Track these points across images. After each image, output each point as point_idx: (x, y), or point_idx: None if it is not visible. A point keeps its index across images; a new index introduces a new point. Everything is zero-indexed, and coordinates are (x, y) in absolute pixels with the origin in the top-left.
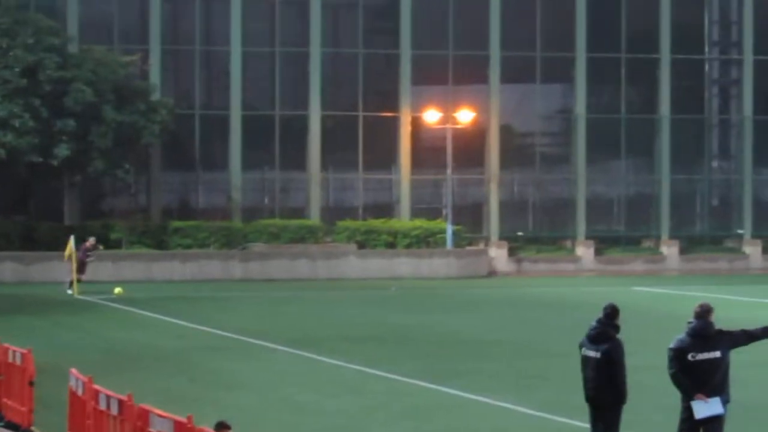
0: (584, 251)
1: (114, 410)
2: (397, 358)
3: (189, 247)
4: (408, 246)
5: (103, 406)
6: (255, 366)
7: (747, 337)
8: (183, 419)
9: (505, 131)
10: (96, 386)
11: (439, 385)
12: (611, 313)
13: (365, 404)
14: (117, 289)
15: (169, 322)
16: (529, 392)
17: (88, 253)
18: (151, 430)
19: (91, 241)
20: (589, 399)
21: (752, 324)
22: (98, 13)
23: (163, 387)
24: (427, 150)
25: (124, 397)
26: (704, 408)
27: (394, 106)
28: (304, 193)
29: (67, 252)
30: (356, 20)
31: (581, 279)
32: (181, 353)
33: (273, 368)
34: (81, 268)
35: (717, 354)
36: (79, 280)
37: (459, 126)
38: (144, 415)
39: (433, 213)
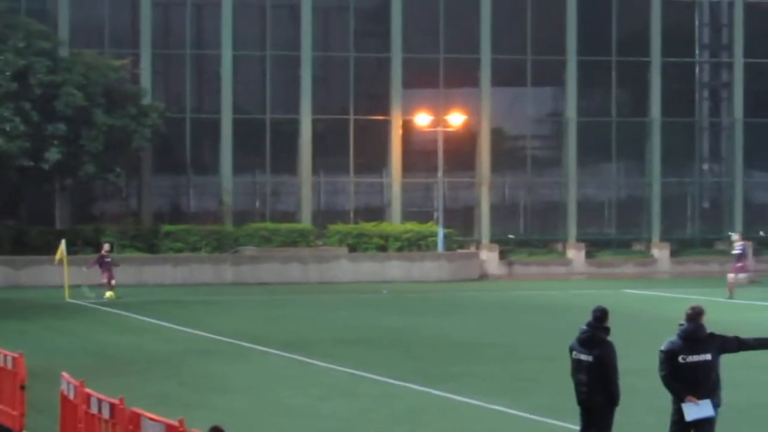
0: (575, 254)
1: (105, 414)
2: (390, 360)
3: (180, 250)
4: (399, 249)
5: (94, 410)
6: (247, 369)
7: (739, 344)
8: (174, 423)
9: (496, 134)
10: (87, 390)
11: (432, 387)
12: (600, 316)
13: (358, 407)
14: (108, 293)
15: (161, 325)
16: (523, 395)
17: (107, 259)
18: None
19: (107, 247)
20: (582, 402)
21: (744, 327)
22: (89, 17)
23: (155, 391)
24: (418, 153)
25: (115, 401)
26: (695, 410)
27: (385, 110)
28: (296, 197)
29: (57, 256)
30: (347, 23)
31: (572, 282)
32: (172, 357)
33: (265, 371)
34: (108, 270)
35: (708, 357)
36: (112, 287)
37: (450, 129)
38: (135, 419)
39: (425, 216)
